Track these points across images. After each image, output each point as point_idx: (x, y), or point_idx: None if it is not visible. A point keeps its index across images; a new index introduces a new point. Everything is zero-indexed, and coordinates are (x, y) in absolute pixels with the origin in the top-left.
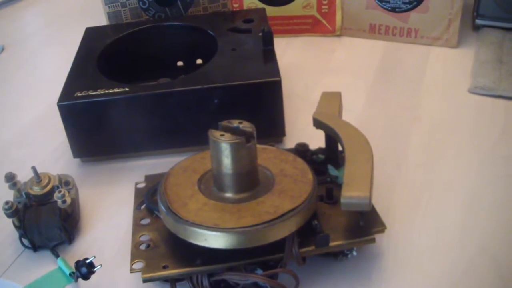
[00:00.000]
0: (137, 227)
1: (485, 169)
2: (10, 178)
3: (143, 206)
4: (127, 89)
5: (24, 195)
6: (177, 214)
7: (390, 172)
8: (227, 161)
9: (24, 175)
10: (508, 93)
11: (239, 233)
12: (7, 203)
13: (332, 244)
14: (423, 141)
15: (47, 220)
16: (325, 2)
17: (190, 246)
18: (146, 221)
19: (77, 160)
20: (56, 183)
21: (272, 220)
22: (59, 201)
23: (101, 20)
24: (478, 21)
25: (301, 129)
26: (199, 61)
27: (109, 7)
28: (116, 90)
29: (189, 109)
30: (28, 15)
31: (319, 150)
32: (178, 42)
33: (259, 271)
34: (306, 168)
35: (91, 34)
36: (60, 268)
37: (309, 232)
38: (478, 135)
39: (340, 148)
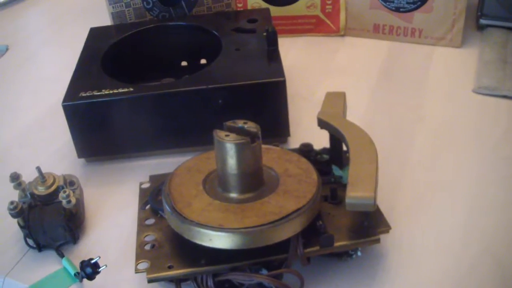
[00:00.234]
0: (141, 227)
1: (488, 169)
2: (15, 178)
3: (147, 206)
4: (131, 89)
5: (29, 195)
6: (182, 214)
7: (394, 172)
8: (232, 161)
9: (28, 175)
10: None
11: (244, 233)
12: (12, 203)
13: (336, 244)
14: (427, 141)
15: (52, 220)
16: (329, 2)
17: (195, 246)
18: (150, 221)
19: (82, 160)
20: (61, 183)
21: (276, 220)
22: (64, 201)
23: (105, 20)
24: (482, 21)
25: (306, 129)
26: (203, 61)
27: (113, 7)
28: (120, 90)
29: (193, 109)
30: (32, 14)
31: (324, 150)
32: (182, 42)
33: (264, 271)
34: (310, 168)
35: (95, 34)
36: (64, 268)
37: (313, 232)
38: (482, 135)
39: (344, 148)
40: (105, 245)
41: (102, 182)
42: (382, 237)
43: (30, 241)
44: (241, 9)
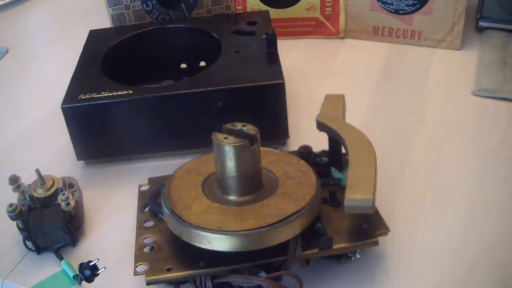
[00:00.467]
0: (140, 229)
1: (488, 171)
2: (14, 181)
3: (146, 209)
4: (130, 91)
5: (28, 198)
6: (181, 216)
7: (394, 175)
8: (231, 164)
9: (28, 177)
10: (511, 95)
11: (243, 235)
12: (11, 205)
13: (335, 246)
14: (426, 144)
15: (51, 223)
16: (328, 4)
17: (194, 249)
18: (149, 223)
19: (81, 162)
20: (60, 185)
21: (275, 222)
22: (63, 204)
23: (104, 22)
24: (482, 23)
25: (305, 132)
26: (202, 63)
27: (112, 9)
28: (119, 92)
29: (192, 111)
30: (32, 16)
31: (323, 152)
32: (182, 44)
33: (263, 274)
34: (309, 170)
35: (94, 37)
36: (63, 270)
37: (312, 234)
38: (481, 137)
39: (343, 150)
40: (104, 247)
41: (101, 184)
42: (381, 239)
43: (29, 244)
44: (241, 11)
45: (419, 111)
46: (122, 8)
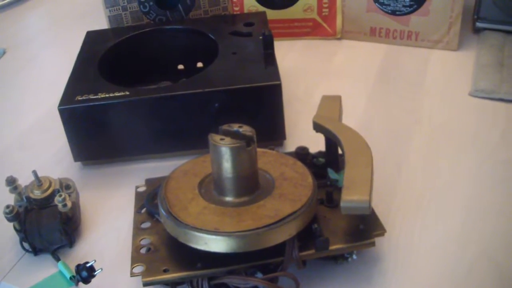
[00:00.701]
0: (137, 230)
1: (485, 172)
2: (11, 182)
3: (143, 210)
4: (127, 92)
5: (25, 199)
6: (178, 218)
7: (390, 176)
8: (227, 165)
9: (25, 179)
10: (508, 96)
11: (239, 237)
12: (8, 207)
13: (332, 247)
14: (423, 145)
15: (48, 224)
16: (325, 5)
17: (191, 250)
18: (146, 224)
19: (78, 163)
20: (57, 186)
21: (272, 224)
22: (60, 205)
23: (102, 23)
24: (479, 24)
25: (301, 133)
26: (199, 64)
27: (110, 10)
28: (116, 94)
29: (189, 112)
30: (30, 18)
31: (319, 153)
32: (179, 46)
33: (259, 275)
34: (306, 171)
35: (92, 38)
36: (60, 271)
37: (309, 235)
38: (479, 139)
39: (340, 151)
40: (101, 248)
41: (98, 186)
42: (378, 240)
43: (26, 245)
44: (238, 12)
45: (416, 112)
46: (119, 9)
